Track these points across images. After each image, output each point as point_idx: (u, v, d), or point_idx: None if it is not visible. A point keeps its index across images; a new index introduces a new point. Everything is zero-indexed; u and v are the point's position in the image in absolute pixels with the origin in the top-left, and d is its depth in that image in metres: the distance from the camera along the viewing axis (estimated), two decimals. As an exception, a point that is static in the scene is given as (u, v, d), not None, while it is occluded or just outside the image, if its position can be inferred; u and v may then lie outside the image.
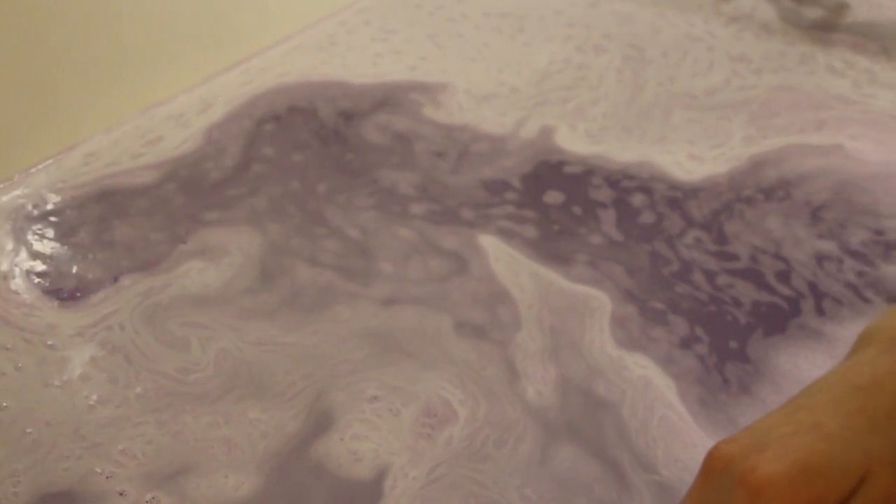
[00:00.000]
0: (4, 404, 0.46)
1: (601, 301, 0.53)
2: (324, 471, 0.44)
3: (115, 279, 0.53)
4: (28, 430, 0.45)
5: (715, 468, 0.36)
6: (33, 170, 0.61)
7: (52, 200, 0.59)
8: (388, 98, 0.69)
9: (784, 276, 0.55)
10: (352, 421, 0.47)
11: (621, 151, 0.64)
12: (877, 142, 0.66)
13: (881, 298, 0.53)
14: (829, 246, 0.57)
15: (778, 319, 0.52)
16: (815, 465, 0.34)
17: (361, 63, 0.72)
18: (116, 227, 0.57)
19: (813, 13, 0.80)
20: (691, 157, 0.64)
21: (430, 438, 0.46)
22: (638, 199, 0.60)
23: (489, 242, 0.57)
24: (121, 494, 0.43)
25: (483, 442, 0.46)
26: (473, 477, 0.44)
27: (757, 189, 0.61)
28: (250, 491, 0.43)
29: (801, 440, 0.35)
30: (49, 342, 0.50)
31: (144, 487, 0.43)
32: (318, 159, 0.63)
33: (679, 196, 0.61)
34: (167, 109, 0.67)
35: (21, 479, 0.43)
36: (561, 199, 0.60)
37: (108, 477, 0.43)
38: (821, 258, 0.56)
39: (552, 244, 0.57)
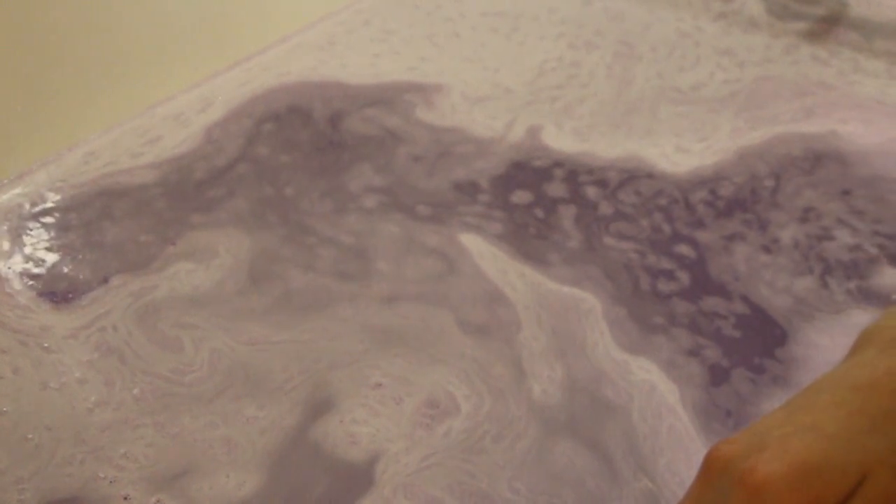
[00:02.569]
0: (4, 409, 0.44)
1: (591, 303, 0.50)
2: (320, 451, 0.42)
3: (105, 280, 0.50)
4: (29, 436, 0.42)
5: (714, 468, 0.34)
6: (33, 169, 0.58)
7: (52, 199, 0.56)
8: (384, 99, 0.66)
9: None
10: (353, 405, 0.44)
11: (608, 148, 0.61)
12: (866, 123, 0.64)
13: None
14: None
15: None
16: (815, 466, 0.32)
17: (360, 63, 0.69)
18: (117, 228, 0.54)
19: (814, 11, 0.77)
20: (678, 150, 0.62)
21: (429, 428, 0.43)
22: (604, 193, 0.58)
23: (469, 241, 0.54)
24: (125, 499, 0.40)
25: (481, 436, 0.43)
26: (464, 467, 0.42)
27: (749, 178, 0.59)
28: (252, 489, 0.41)
29: (800, 440, 0.33)
30: (45, 344, 0.47)
31: (148, 491, 0.40)
32: (304, 161, 0.60)
33: (656, 190, 0.58)
34: (167, 109, 0.63)
35: (26, 486, 0.40)
36: (530, 199, 0.57)
37: (111, 481, 0.41)
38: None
39: (525, 244, 0.54)
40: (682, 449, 0.43)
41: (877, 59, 0.72)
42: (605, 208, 0.56)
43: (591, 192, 0.57)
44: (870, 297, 0.50)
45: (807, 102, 0.67)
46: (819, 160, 0.61)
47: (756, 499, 0.32)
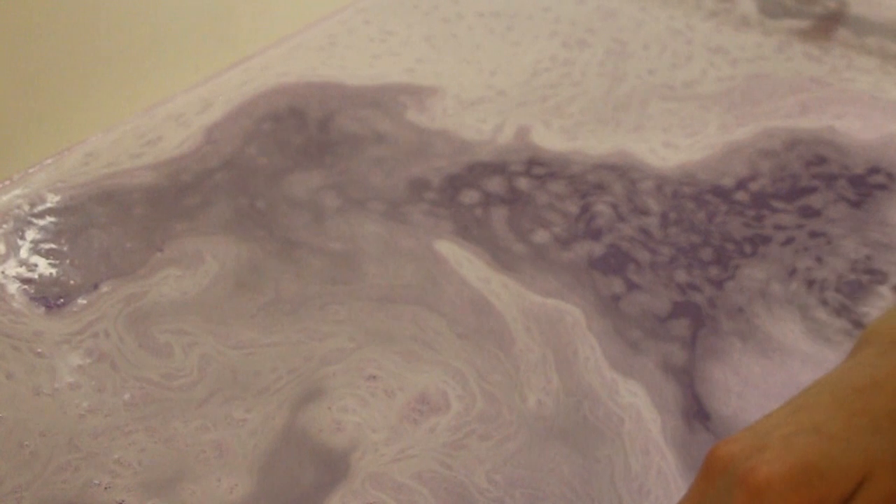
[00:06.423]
0: (0, 415, 0.41)
1: (575, 316, 0.47)
2: (306, 438, 0.40)
3: (95, 286, 0.47)
4: (25, 443, 0.40)
5: (715, 468, 0.32)
6: (32, 169, 0.54)
7: (50, 201, 0.52)
8: (379, 101, 0.62)
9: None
10: (345, 394, 0.42)
11: (597, 144, 0.58)
12: (863, 118, 0.61)
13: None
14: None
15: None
16: (816, 466, 0.30)
17: (359, 64, 0.66)
18: (110, 233, 0.51)
19: (808, 10, 0.74)
20: (666, 145, 0.59)
21: (416, 423, 0.41)
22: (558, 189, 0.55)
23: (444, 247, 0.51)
24: (121, 504, 0.38)
25: (467, 434, 0.41)
26: (442, 460, 0.40)
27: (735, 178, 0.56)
28: (244, 492, 0.38)
29: (801, 441, 0.31)
30: (37, 350, 0.44)
31: (143, 496, 0.38)
32: (284, 163, 0.56)
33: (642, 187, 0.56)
34: (167, 109, 0.60)
35: (24, 493, 0.38)
36: (477, 198, 0.54)
37: (106, 488, 0.38)
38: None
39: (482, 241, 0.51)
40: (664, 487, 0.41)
41: (869, 56, 0.68)
42: (563, 208, 0.53)
43: (556, 188, 0.55)
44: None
45: (801, 99, 0.64)
46: (817, 155, 0.58)
47: (757, 499, 0.30)
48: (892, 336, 0.35)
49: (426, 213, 0.53)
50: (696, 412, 0.43)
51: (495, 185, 0.54)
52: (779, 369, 0.44)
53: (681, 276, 0.49)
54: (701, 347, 0.45)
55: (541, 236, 0.51)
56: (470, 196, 0.54)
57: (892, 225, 0.53)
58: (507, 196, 0.54)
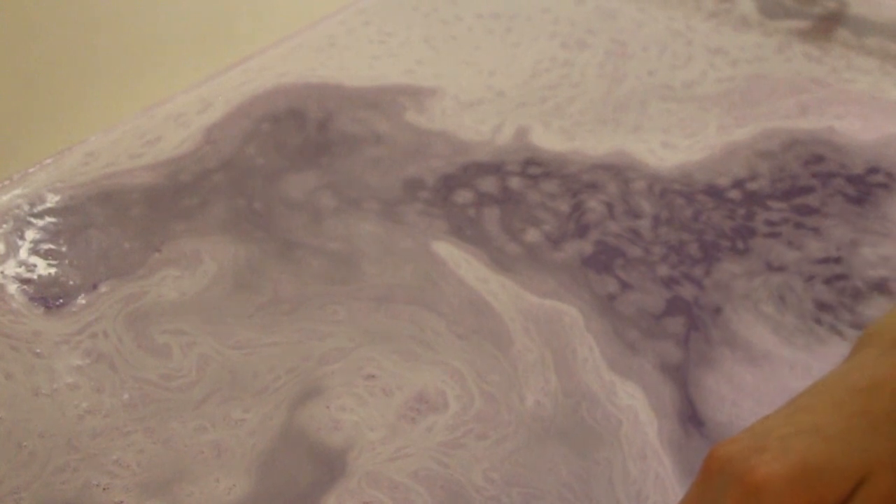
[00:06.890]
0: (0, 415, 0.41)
1: (573, 315, 0.47)
2: (304, 437, 0.40)
3: (94, 286, 0.47)
4: (24, 444, 0.40)
5: (714, 468, 0.32)
6: (32, 169, 0.54)
7: (50, 201, 0.52)
8: (378, 102, 0.62)
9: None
10: (343, 393, 0.42)
11: (596, 144, 0.58)
12: (863, 119, 0.60)
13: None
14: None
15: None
16: (815, 467, 0.30)
17: (359, 65, 0.66)
18: (109, 233, 0.51)
19: (808, 10, 0.74)
20: (665, 146, 0.58)
21: (414, 422, 0.41)
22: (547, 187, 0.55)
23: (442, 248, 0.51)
24: (119, 505, 0.37)
25: (465, 433, 0.41)
26: (440, 459, 0.40)
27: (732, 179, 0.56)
28: (243, 492, 0.38)
29: (800, 441, 0.31)
30: (36, 350, 0.44)
31: (142, 497, 0.38)
32: (282, 164, 0.56)
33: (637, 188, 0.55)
34: (167, 109, 0.60)
35: (23, 495, 0.38)
36: (471, 198, 0.54)
37: (105, 489, 0.38)
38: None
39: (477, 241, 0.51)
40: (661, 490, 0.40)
41: (869, 56, 0.68)
42: (557, 207, 0.53)
43: (549, 188, 0.54)
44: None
45: (802, 99, 0.63)
46: (817, 155, 0.58)
47: (756, 499, 0.30)
48: (892, 337, 0.35)
49: (420, 212, 0.53)
50: (691, 417, 0.43)
51: (489, 184, 0.54)
52: (769, 377, 0.44)
53: (674, 274, 0.49)
54: (695, 354, 0.45)
55: (532, 235, 0.51)
56: (463, 196, 0.54)
57: (892, 221, 0.53)
58: (500, 196, 0.54)
